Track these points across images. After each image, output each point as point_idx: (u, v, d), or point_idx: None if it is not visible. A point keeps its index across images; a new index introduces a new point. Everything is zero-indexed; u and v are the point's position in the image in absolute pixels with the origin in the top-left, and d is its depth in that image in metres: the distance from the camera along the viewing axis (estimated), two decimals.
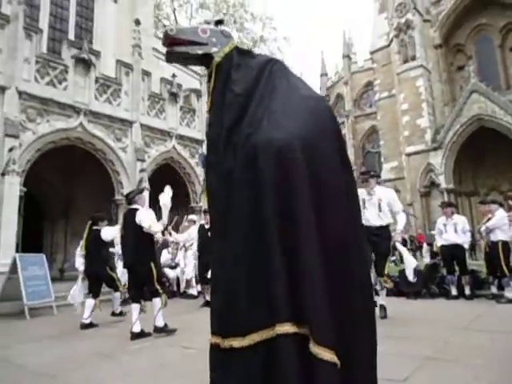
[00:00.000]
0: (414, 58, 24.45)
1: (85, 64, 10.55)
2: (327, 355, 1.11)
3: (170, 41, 1.55)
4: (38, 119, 9.48)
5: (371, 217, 5.11)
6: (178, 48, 1.56)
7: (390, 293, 7.57)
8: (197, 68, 16.36)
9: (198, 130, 13.82)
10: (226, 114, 1.49)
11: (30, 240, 9.02)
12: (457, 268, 7.02)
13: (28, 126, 9.29)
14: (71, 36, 13.80)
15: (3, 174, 8.48)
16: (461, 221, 7.07)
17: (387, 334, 4.22)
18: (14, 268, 7.27)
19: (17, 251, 8.15)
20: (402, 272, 7.82)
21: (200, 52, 1.57)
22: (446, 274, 7.15)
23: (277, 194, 1.24)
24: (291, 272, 1.18)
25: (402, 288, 7.41)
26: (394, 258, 19.27)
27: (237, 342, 1.21)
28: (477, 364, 3.01)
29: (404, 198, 23.10)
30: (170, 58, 1.64)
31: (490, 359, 3.12)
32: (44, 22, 13.19)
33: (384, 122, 27.18)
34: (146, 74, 12.51)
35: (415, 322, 4.97)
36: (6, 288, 7.32)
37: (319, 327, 1.14)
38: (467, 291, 6.76)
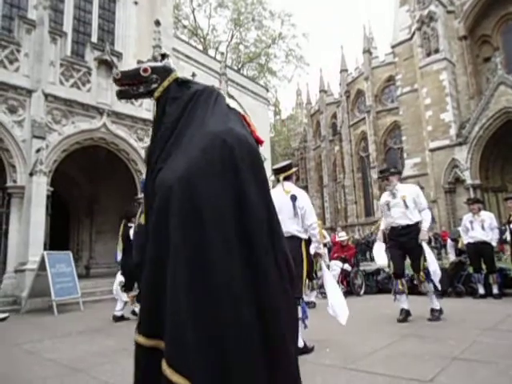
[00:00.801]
0: (437, 51, 23.81)
1: (107, 65, 10.78)
2: (180, 381, 1.16)
3: (118, 84, 1.73)
4: (63, 121, 9.76)
5: (397, 216, 4.92)
6: (123, 88, 1.74)
7: (412, 291, 7.47)
8: (216, 66, 16.46)
9: None
10: (156, 148, 1.61)
11: (57, 238, 9.31)
12: (484, 266, 6.82)
13: (54, 128, 9.57)
14: (94, 38, 14.10)
15: (31, 175, 8.77)
16: (488, 217, 6.85)
17: (412, 333, 4.16)
18: (42, 265, 7.52)
19: (45, 249, 8.43)
20: (426, 270, 7.67)
21: (142, 90, 1.71)
22: (472, 273, 6.96)
23: (159, 226, 1.39)
24: (158, 286, 1.31)
25: None
26: None
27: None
28: (506, 364, 2.92)
29: (428, 194, 22.58)
30: (120, 96, 1.80)
31: None
32: (68, 25, 13.52)
33: (406, 117, 26.64)
34: None
35: (441, 321, 4.85)
36: (35, 284, 7.58)
37: (176, 354, 1.20)
38: (495, 290, 6.56)
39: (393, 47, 28.59)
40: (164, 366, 1.19)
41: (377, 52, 34.86)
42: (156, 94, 1.68)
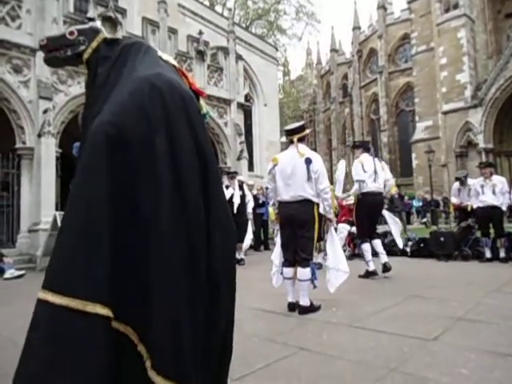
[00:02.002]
0: (456, 6, 22.61)
1: (111, 22, 10.43)
2: (101, 310, 1.14)
3: (45, 50, 1.69)
4: (69, 81, 9.60)
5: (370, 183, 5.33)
6: (50, 54, 1.70)
7: (418, 254, 7.55)
8: (223, 24, 15.84)
9: (225, 89, 13.60)
10: (89, 112, 1.56)
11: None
12: (492, 230, 6.82)
13: (60, 88, 9.44)
14: None
15: (39, 136, 8.77)
16: (500, 181, 6.76)
17: (416, 293, 4.24)
18: (54, 225, 7.69)
19: (56, 209, 8.59)
20: (433, 233, 7.72)
21: (69, 53, 1.67)
22: (480, 237, 6.97)
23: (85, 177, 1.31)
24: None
25: (433, 249, 7.34)
26: (424, 220, 18.99)
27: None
28: (508, 325, 2.97)
29: (438, 158, 22.30)
30: (49, 63, 1.77)
31: None
32: None
33: (420, 78, 25.76)
34: (173, 31, 12.25)
35: (446, 283, 4.93)
36: (48, 244, 7.79)
37: (92, 285, 1.18)
38: (502, 254, 6.59)
39: (409, 2, 27.16)
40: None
41: (392, 8, 33.12)
42: (85, 56, 1.64)
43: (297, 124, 4.01)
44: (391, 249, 8.14)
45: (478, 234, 7.10)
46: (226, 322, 1.47)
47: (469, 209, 7.20)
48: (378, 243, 5.61)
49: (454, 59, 22.37)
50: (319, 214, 3.73)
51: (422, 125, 25.35)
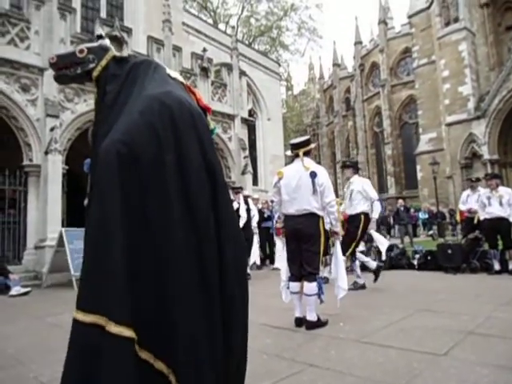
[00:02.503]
0: (456, 20, 22.84)
1: (117, 42, 10.63)
2: (126, 332, 1.16)
3: (55, 68, 1.71)
4: (75, 99, 9.76)
5: (347, 206, 5.74)
6: (60, 72, 1.71)
7: (426, 267, 7.47)
8: (227, 41, 16.13)
9: (229, 105, 13.74)
10: (99, 129, 1.58)
11: (74, 215, 9.48)
12: (500, 242, 6.74)
13: (67, 106, 9.59)
14: (103, 14, 13.90)
15: (46, 153, 8.87)
16: (507, 193, 6.71)
17: (425, 307, 4.17)
18: (60, 241, 7.71)
19: (62, 226, 8.62)
20: (441, 246, 7.64)
21: (79, 71, 1.69)
22: (488, 249, 6.89)
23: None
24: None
25: (440, 262, 7.26)
26: (431, 233, 18.81)
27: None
28: None
29: (443, 170, 22.22)
30: (59, 80, 1.79)
31: None
32: (77, 1, 13.34)
33: (423, 91, 25.90)
34: (177, 49, 12.47)
35: (455, 296, 4.85)
36: (54, 260, 7.80)
37: (116, 308, 1.19)
38: (511, 266, 6.49)
39: (409, 17, 27.51)
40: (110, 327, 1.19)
41: (393, 23, 33.61)
42: (95, 74, 1.66)
43: (302, 138, 4.03)
44: (397, 262, 8.08)
45: (486, 246, 7.02)
46: (241, 335, 1.47)
47: (475, 221, 7.13)
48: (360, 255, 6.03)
49: (456, 72, 22.50)
50: (325, 228, 3.73)
51: (425, 137, 25.36)
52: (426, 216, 20.45)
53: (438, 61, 23.88)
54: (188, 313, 1.27)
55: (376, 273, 5.73)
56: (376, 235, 6.52)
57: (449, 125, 22.73)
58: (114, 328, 1.16)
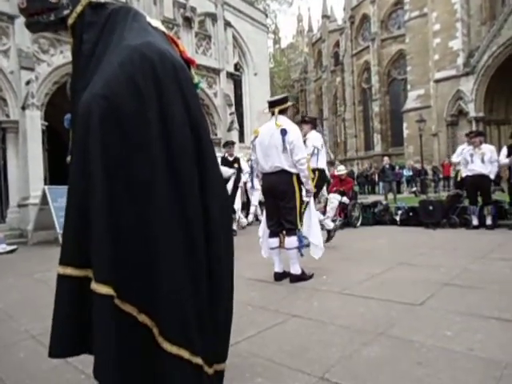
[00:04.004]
0: None
1: None
2: (103, 289, 1.21)
3: (25, 13, 1.57)
4: (51, 50, 9.23)
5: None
6: (31, 19, 1.57)
7: (408, 222, 7.70)
8: None
9: (214, 58, 13.24)
10: (77, 81, 1.50)
11: (56, 173, 9.31)
12: (480, 199, 6.94)
13: (42, 58, 9.09)
14: None
15: (23, 108, 8.51)
16: (489, 150, 6.81)
17: (405, 261, 4.34)
18: (44, 200, 7.62)
19: (45, 183, 8.48)
20: (422, 202, 7.84)
21: (52, 18, 1.55)
22: (468, 205, 7.10)
23: (81, 153, 1.31)
24: (82, 217, 1.28)
25: (421, 218, 7.48)
26: (414, 189, 19.22)
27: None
28: (493, 290, 3.08)
29: (429, 128, 22.29)
30: (30, 28, 1.64)
31: (507, 285, 3.18)
32: None
33: (413, 46, 25.29)
34: None
35: (433, 250, 5.05)
36: (39, 218, 7.75)
37: (96, 266, 1.23)
38: (488, 221, 6.73)
39: None
40: (93, 284, 1.23)
41: None
42: (70, 21, 1.54)
43: (279, 96, 4.03)
44: (381, 218, 8.30)
45: (467, 202, 7.23)
46: (227, 289, 1.51)
47: (458, 178, 7.26)
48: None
49: (447, 25, 21.94)
50: (300, 185, 3.74)
51: (413, 94, 25.13)
52: (410, 173, 20.77)
53: (429, 13, 23.16)
54: (171, 267, 1.29)
55: (330, 233, 5.71)
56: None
57: (437, 81, 22.52)
58: (93, 284, 1.22)
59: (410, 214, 7.91)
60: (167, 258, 1.28)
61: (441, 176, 20.42)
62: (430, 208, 7.41)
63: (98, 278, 1.21)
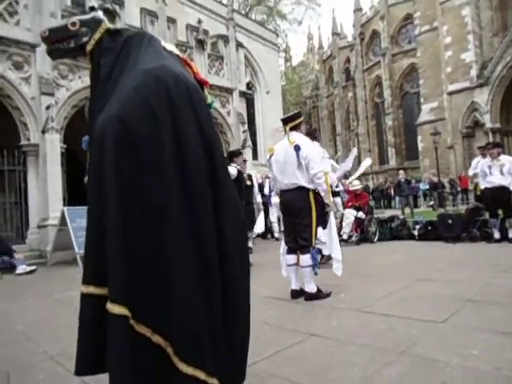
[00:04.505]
0: None
1: (109, 15, 10.30)
2: (117, 309, 1.22)
3: (47, 42, 1.67)
4: (70, 76, 9.58)
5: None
6: (53, 46, 1.66)
7: (426, 237, 7.54)
8: (222, 11, 15.63)
9: (227, 78, 13.49)
10: (94, 104, 1.55)
11: (75, 194, 9.50)
12: (500, 211, 6.76)
13: (61, 83, 9.42)
14: None
15: (43, 132, 8.79)
16: (508, 161, 6.65)
17: (425, 277, 4.24)
18: (63, 220, 7.77)
19: (64, 204, 8.66)
20: (441, 216, 7.68)
21: (72, 45, 1.63)
22: (488, 218, 6.92)
23: (97, 174, 1.33)
24: (101, 238, 1.29)
25: (439, 232, 7.32)
26: (431, 203, 18.88)
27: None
28: None
29: (444, 140, 22.02)
30: (52, 55, 1.74)
31: None
32: None
33: (424, 59, 25.29)
34: (172, 21, 12.12)
35: (453, 265, 4.92)
36: (58, 239, 7.88)
37: (111, 287, 1.25)
38: (511, 234, 6.54)
39: None
40: (108, 304, 1.24)
41: None
42: (88, 48, 1.61)
43: (290, 113, 4.08)
44: (398, 233, 8.15)
45: (487, 215, 7.05)
46: (243, 310, 1.50)
47: (478, 192, 7.10)
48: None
49: (459, 38, 21.90)
50: (316, 201, 3.71)
51: (427, 106, 24.98)
52: (427, 187, 20.45)
53: (440, 27, 23.19)
54: (185, 290, 1.29)
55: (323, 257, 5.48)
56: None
57: (451, 93, 22.35)
58: (108, 304, 1.23)
59: (429, 228, 7.75)
60: (181, 280, 1.29)
61: (459, 189, 20.04)
62: (449, 222, 7.25)
63: (113, 299, 1.22)
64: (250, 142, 13.70)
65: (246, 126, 13.86)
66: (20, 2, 8.89)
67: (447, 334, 2.49)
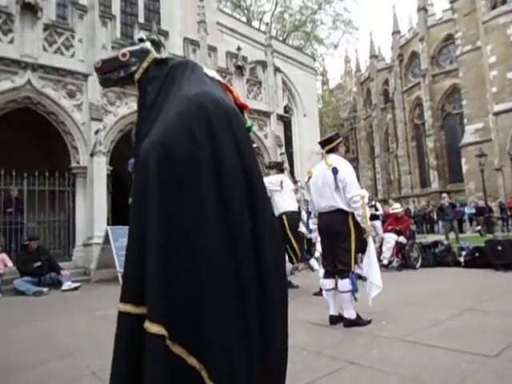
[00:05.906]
0: (504, 2, 21.51)
1: (155, 45, 10.94)
2: (154, 328, 1.22)
3: (100, 72, 1.77)
4: (117, 102, 10.18)
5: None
6: (105, 76, 1.77)
7: (473, 264, 7.11)
8: (261, 38, 16.12)
9: (265, 102, 13.76)
10: (141, 129, 1.61)
11: (118, 214, 9.91)
12: None
13: (109, 109, 10.03)
14: (141, 19, 14.36)
15: (92, 155, 9.33)
16: None
17: (474, 306, 3.99)
18: (106, 239, 8.09)
19: (108, 224, 9.03)
20: (490, 242, 7.24)
21: (122, 74, 1.73)
22: None
23: (140, 196, 1.38)
24: (141, 258, 1.31)
25: (488, 259, 6.89)
26: (478, 228, 17.86)
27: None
28: None
29: (491, 162, 21.03)
30: (104, 84, 1.86)
31: None
32: (116, 7, 13.87)
33: (467, 79, 24.59)
34: (212, 49, 12.64)
35: (504, 294, 4.60)
36: (101, 257, 8.21)
37: (149, 306, 1.26)
38: None
39: (451, 2, 26.19)
40: (146, 322, 1.25)
41: (433, 9, 32.07)
42: (137, 76, 1.70)
43: (327, 136, 4.09)
44: (443, 259, 7.76)
45: None
46: (280, 338, 1.48)
47: None
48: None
49: (504, 57, 21.17)
50: (356, 225, 3.62)
51: (471, 127, 24.08)
52: (473, 211, 19.42)
53: (483, 47, 22.57)
54: (221, 312, 1.30)
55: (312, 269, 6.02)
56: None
57: (496, 114, 21.46)
58: (146, 323, 1.25)
59: (476, 254, 7.32)
60: (216, 302, 1.30)
61: (509, 213, 18.86)
62: (499, 248, 6.82)
63: (151, 317, 1.24)
64: (287, 164, 13.75)
65: (283, 149, 13.97)
66: (75, 36, 9.67)
67: (501, 369, 2.31)
